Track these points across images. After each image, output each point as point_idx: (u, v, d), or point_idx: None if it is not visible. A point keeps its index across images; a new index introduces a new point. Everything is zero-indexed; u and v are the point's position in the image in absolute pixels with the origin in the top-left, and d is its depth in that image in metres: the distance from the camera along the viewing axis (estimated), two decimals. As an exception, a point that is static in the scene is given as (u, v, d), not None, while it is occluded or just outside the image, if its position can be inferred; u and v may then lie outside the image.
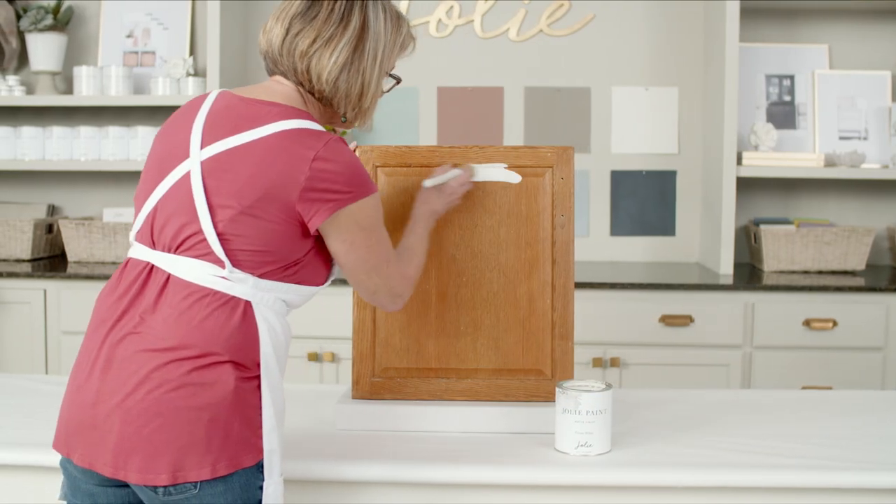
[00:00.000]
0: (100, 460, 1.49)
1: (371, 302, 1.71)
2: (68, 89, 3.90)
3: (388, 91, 1.75)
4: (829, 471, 1.73)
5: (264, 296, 1.54)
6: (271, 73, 1.66)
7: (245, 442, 1.50)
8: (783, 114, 3.75)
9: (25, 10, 3.80)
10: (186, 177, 1.53)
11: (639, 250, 3.85)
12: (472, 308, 2.00)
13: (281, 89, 1.63)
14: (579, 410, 1.78)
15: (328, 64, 1.60)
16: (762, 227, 3.56)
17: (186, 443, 1.46)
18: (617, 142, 3.84)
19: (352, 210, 1.55)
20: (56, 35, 3.79)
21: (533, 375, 2.00)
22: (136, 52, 3.91)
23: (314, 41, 1.59)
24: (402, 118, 3.89)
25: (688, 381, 3.23)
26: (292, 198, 1.51)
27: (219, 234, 1.50)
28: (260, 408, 1.53)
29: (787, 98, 3.75)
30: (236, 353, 1.51)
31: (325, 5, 1.61)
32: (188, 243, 1.52)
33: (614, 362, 3.25)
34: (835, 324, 3.22)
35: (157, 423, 1.46)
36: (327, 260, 1.64)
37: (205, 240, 1.51)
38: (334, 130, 1.70)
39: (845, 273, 3.51)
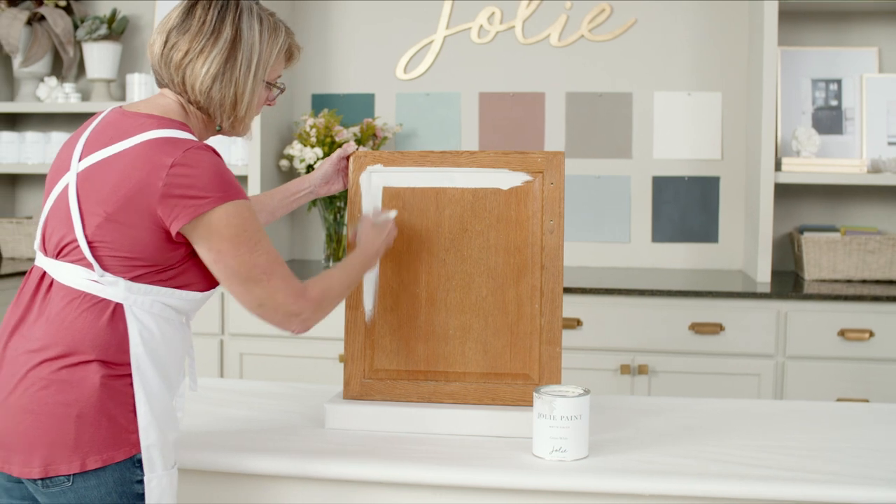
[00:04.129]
0: None
1: (262, 318, 1.68)
2: (122, 96, 4.04)
3: (272, 101, 1.80)
4: (827, 485, 1.69)
5: (138, 298, 1.61)
6: (160, 84, 1.73)
7: (115, 437, 1.57)
8: (829, 119, 3.65)
9: (82, 20, 3.96)
10: (66, 188, 1.63)
11: (680, 257, 3.79)
12: (461, 312, 2.02)
13: (163, 102, 1.70)
14: (554, 415, 1.78)
15: (200, 74, 1.66)
16: (805, 234, 3.47)
17: (57, 437, 1.54)
18: (659, 147, 3.80)
19: (214, 216, 1.58)
20: (111, 44, 3.93)
21: (520, 380, 2.00)
22: (188, 60, 4.02)
23: (187, 53, 1.66)
24: (445, 124, 3.92)
25: (717, 390, 3.17)
26: (153, 204, 1.56)
27: (88, 241, 1.59)
28: (133, 404, 1.59)
29: (833, 103, 3.65)
30: (103, 351, 1.58)
31: (198, 18, 1.67)
32: (66, 249, 1.61)
33: (642, 369, 3.21)
34: (871, 334, 3.13)
35: (30, 419, 1.55)
36: None
37: (78, 246, 1.59)
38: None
39: (890, 283, 3.40)
